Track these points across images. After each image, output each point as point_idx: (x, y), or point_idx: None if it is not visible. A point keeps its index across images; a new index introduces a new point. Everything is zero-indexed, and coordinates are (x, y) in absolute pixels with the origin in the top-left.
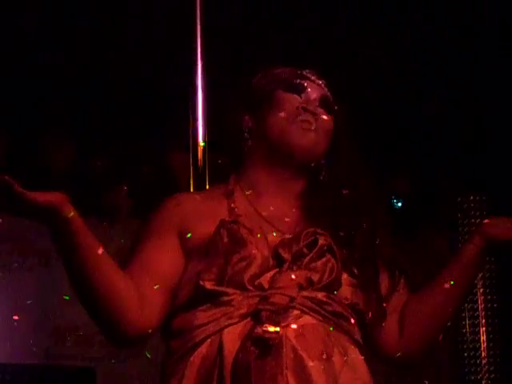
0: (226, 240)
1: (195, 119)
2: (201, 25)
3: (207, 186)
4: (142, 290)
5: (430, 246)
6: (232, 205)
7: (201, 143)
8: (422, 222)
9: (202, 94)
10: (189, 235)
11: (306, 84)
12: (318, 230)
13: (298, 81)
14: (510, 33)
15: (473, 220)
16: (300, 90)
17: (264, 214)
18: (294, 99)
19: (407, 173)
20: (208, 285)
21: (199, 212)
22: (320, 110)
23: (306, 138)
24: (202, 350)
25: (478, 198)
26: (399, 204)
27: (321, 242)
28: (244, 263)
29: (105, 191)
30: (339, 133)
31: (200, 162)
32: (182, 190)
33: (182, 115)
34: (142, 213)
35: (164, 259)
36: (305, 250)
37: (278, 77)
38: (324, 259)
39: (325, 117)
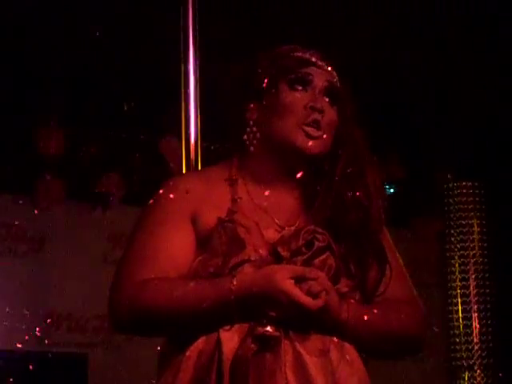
0: (224, 239)
1: (187, 105)
2: (193, 7)
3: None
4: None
5: (421, 233)
6: (235, 196)
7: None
8: (414, 209)
9: (194, 79)
10: (203, 225)
11: (311, 73)
12: (318, 229)
13: (304, 70)
14: None
15: (465, 206)
16: (306, 82)
17: (264, 204)
18: (301, 98)
19: (400, 159)
20: None
21: (206, 200)
22: (326, 104)
23: (311, 147)
24: (199, 344)
25: (470, 184)
26: (391, 190)
27: (318, 243)
28: (242, 265)
29: (97, 177)
30: (344, 121)
31: (192, 149)
32: (174, 176)
33: (174, 101)
34: (135, 199)
35: (188, 253)
36: (303, 250)
37: (281, 63)
38: (322, 257)
39: (331, 111)
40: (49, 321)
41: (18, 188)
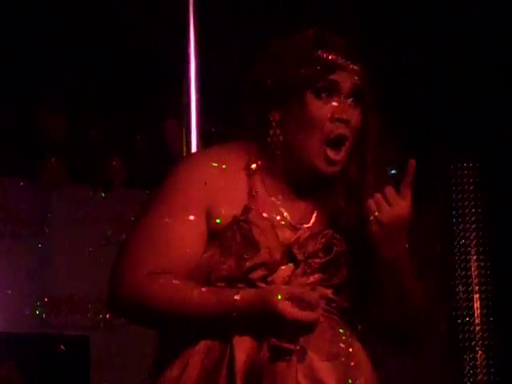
0: (238, 239)
1: (188, 89)
2: None
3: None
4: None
5: (421, 214)
6: (253, 190)
7: None
8: (414, 191)
9: (194, 62)
10: (218, 221)
11: (338, 80)
12: (336, 235)
13: (330, 77)
14: None
15: (466, 187)
16: (332, 90)
17: (279, 200)
18: (327, 108)
19: (400, 140)
20: (219, 285)
21: (222, 193)
22: (350, 108)
23: (330, 170)
24: (207, 340)
25: (471, 165)
26: (393, 172)
27: (336, 248)
28: (256, 269)
29: (99, 161)
30: (367, 123)
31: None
32: (175, 160)
33: (175, 84)
34: (136, 183)
35: (198, 247)
36: (320, 254)
37: (306, 71)
38: (337, 263)
39: (355, 114)
40: (50, 303)
41: (19, 171)
